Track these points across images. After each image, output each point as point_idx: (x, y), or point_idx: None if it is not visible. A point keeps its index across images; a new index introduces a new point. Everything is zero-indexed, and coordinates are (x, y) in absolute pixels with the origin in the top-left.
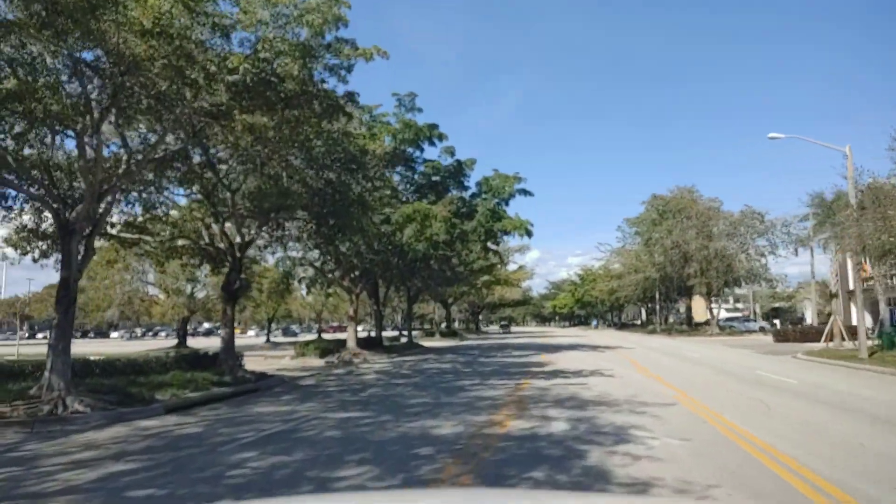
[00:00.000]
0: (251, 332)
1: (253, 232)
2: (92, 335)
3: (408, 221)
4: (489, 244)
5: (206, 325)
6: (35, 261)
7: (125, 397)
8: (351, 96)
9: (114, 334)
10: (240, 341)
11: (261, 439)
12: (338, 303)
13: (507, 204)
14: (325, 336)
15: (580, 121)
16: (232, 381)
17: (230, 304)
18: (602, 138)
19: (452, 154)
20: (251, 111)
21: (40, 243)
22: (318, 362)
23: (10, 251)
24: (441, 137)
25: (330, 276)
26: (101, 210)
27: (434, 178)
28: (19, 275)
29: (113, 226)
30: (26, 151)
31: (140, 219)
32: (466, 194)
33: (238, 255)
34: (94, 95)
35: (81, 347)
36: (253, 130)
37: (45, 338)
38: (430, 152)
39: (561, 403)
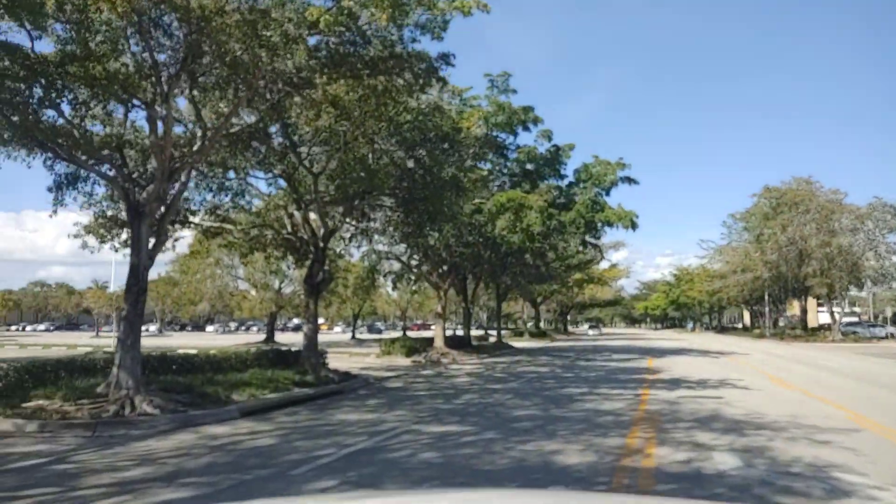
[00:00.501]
0: (337, 329)
1: (337, 220)
2: (189, 328)
3: (502, 211)
4: (587, 238)
5: (296, 321)
6: (116, 250)
7: (199, 397)
8: (446, 58)
9: (209, 328)
10: (325, 337)
11: (342, 460)
12: (423, 300)
13: (607, 193)
14: (410, 334)
15: (669, 115)
16: (314, 380)
17: (313, 297)
18: (692, 135)
19: (549, 138)
20: (334, 79)
21: (121, 231)
22: (404, 361)
23: (90, 239)
24: (537, 121)
25: (416, 270)
26: (173, 191)
27: (528, 167)
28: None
29: (194, 213)
30: (97, 129)
31: (222, 206)
32: (563, 183)
33: (321, 244)
34: (162, 59)
35: (175, 340)
36: (336, 104)
37: (146, 331)
38: (524, 138)
39: (706, 424)
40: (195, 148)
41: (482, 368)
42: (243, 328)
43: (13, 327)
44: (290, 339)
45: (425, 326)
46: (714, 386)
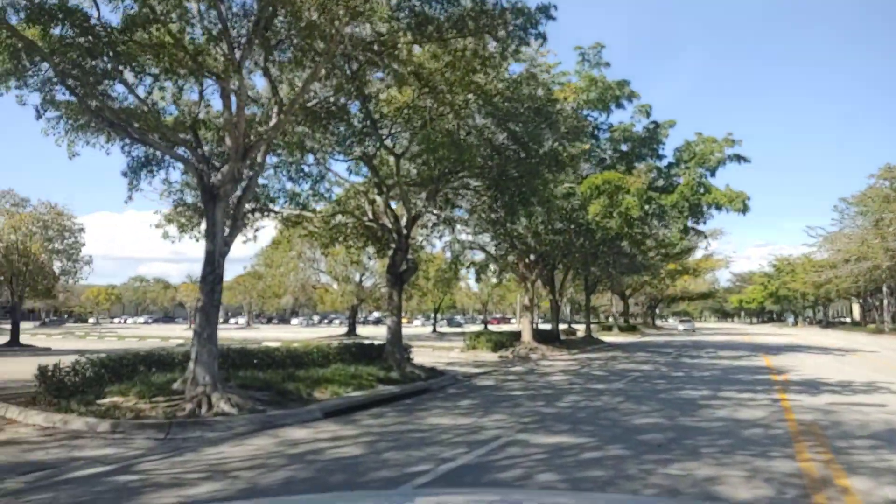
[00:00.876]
0: (416, 322)
1: (421, 206)
2: (275, 321)
3: (596, 194)
4: (691, 223)
5: (376, 314)
6: (197, 240)
7: (279, 395)
8: (545, 10)
9: (294, 321)
10: (405, 331)
11: (441, 480)
12: (504, 292)
13: (713, 174)
14: (490, 328)
15: (755, 101)
16: (399, 377)
17: (396, 288)
18: (784, 120)
19: (648, 114)
20: (418, 42)
21: (200, 221)
22: (490, 356)
23: (171, 229)
24: (632, 96)
25: (501, 261)
26: (249, 174)
27: (622, 148)
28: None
29: (273, 200)
30: (171, 110)
31: (301, 195)
32: (661, 164)
33: (404, 232)
34: (232, 24)
35: (261, 333)
36: (419, 76)
37: (235, 324)
38: (618, 116)
39: (892, 442)
40: (271, 123)
41: (577, 365)
42: (326, 321)
43: (116, 320)
44: (371, 333)
45: (505, 320)
46: (865, 391)
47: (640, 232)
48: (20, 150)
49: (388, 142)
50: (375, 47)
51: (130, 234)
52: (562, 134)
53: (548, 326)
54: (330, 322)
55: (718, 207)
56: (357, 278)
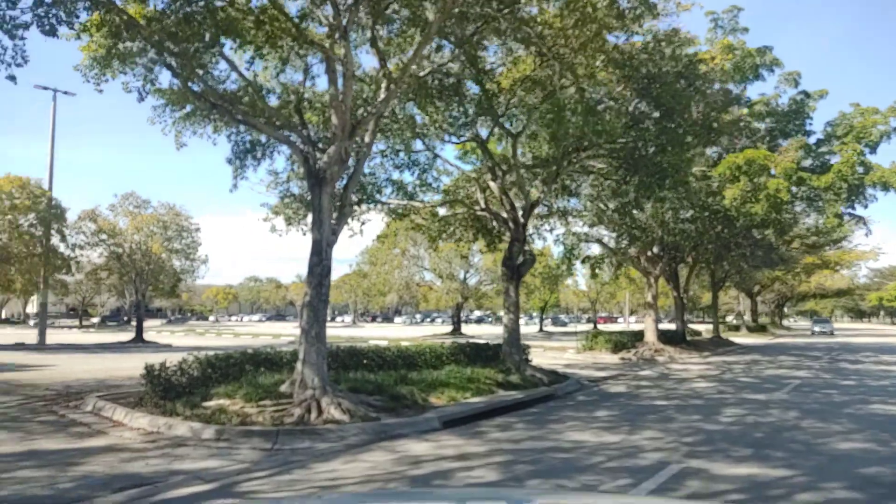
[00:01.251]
0: (520, 321)
1: (538, 192)
2: (380, 319)
3: (737, 174)
4: (847, 207)
5: (477, 313)
6: (304, 233)
7: (392, 400)
8: None
9: (397, 319)
10: None
11: None
12: (614, 289)
13: (873, 151)
14: (599, 327)
15: None
16: (520, 381)
17: (513, 283)
18: None
19: (797, 83)
20: None
21: (307, 212)
22: (610, 358)
23: (279, 221)
24: (775, 64)
25: (620, 254)
26: (355, 153)
27: (761, 124)
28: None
29: (380, 191)
30: (273, 96)
31: (408, 186)
32: (810, 141)
33: (521, 221)
34: None
35: (367, 331)
36: (543, 39)
37: (342, 322)
38: (758, 88)
39: None
40: (379, 97)
41: (715, 370)
42: (428, 319)
43: (233, 318)
44: (473, 331)
45: (611, 319)
46: None
47: (790, 217)
48: (142, 159)
49: (503, 120)
50: (494, 4)
51: (244, 237)
52: (711, 100)
53: (663, 326)
54: (432, 320)
55: (886, 188)
56: (461, 276)
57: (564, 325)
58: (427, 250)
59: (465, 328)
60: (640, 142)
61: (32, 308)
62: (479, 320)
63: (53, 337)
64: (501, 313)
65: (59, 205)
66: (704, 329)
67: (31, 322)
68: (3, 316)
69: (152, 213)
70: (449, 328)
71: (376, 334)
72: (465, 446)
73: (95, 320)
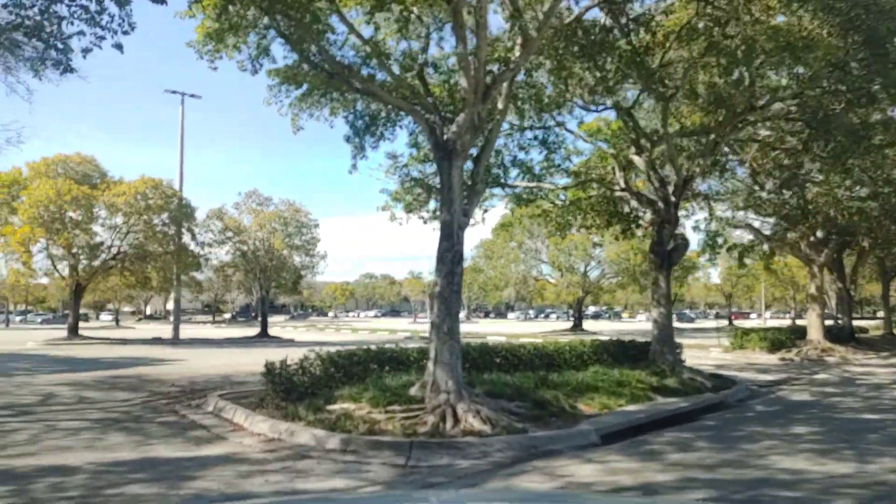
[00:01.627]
0: (640, 317)
1: (695, 166)
2: (492, 315)
3: None
4: None
5: (593, 308)
6: (425, 221)
7: (536, 407)
8: None
9: (510, 315)
10: (631, 326)
11: None
12: (751, 283)
13: None
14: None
15: None
16: (677, 385)
17: (663, 272)
18: None
19: None
20: None
21: (428, 199)
22: (766, 358)
23: (398, 209)
24: None
25: (774, 240)
26: (488, 120)
27: None
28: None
29: (506, 172)
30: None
31: (535, 167)
32: None
33: (672, 200)
34: None
35: (483, 327)
36: None
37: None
38: None
39: None
40: (515, 54)
41: None
42: (542, 315)
43: (350, 314)
44: (591, 327)
45: (743, 315)
46: None
47: None
48: (263, 161)
49: (657, 75)
50: None
51: (361, 235)
52: None
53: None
54: (546, 316)
55: None
56: (581, 269)
57: (691, 320)
58: (545, 242)
59: (585, 324)
60: (831, 94)
61: (171, 305)
62: (597, 316)
63: (187, 332)
64: (650, 309)
65: (189, 204)
66: (867, 325)
67: (170, 318)
68: (148, 312)
69: (274, 209)
70: (566, 324)
71: (491, 330)
72: (643, 472)
73: (227, 316)
